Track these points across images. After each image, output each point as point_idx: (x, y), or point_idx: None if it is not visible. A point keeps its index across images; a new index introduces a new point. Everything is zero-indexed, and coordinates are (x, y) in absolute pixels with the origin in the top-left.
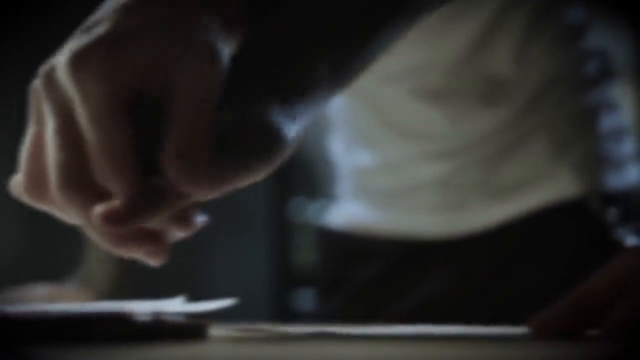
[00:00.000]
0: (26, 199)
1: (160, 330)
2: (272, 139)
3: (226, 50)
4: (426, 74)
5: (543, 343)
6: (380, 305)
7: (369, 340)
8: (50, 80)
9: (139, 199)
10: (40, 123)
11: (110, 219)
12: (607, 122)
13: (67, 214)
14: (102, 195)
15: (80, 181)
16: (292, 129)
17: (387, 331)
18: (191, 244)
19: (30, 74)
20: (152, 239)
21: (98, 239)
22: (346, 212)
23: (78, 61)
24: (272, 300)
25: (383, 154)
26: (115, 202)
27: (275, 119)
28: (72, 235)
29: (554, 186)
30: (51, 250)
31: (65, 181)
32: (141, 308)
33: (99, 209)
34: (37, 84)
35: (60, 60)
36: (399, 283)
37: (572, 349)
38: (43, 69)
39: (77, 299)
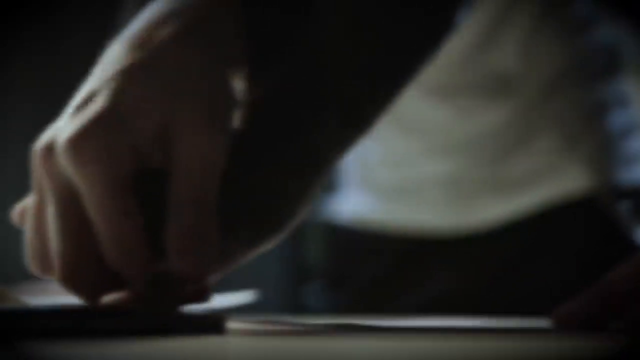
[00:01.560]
0: (32, 269)
1: (178, 324)
2: (284, 215)
3: (230, 113)
4: (432, 70)
5: (565, 335)
6: (388, 301)
7: (388, 332)
8: (49, 159)
9: (146, 290)
10: (42, 196)
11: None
12: (617, 117)
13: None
14: (108, 274)
15: (84, 271)
16: (305, 200)
17: (405, 324)
18: None
19: (30, 74)
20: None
21: None
22: (354, 207)
23: (77, 144)
24: (284, 295)
25: (391, 148)
26: (123, 294)
27: (288, 192)
28: None
29: (564, 181)
30: None
31: (69, 273)
32: None
33: (106, 299)
34: (35, 154)
35: (59, 139)
36: (406, 279)
37: (594, 342)
38: (41, 143)
39: None
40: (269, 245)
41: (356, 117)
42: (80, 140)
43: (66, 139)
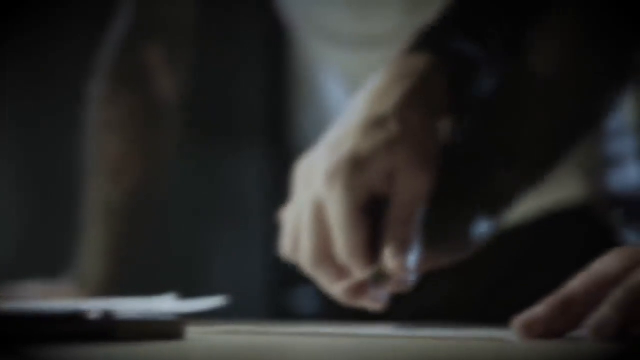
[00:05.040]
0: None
1: (138, 329)
2: (463, 247)
3: (436, 152)
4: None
5: (529, 344)
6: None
7: (337, 337)
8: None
9: (367, 280)
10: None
11: (348, 293)
12: (609, 121)
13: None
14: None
15: (324, 260)
16: (482, 236)
17: (369, 331)
18: (187, 241)
19: (30, 72)
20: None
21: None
22: None
23: (330, 174)
24: (269, 299)
25: None
26: (352, 281)
27: (471, 230)
28: (67, 233)
29: (557, 188)
30: (46, 248)
31: (314, 262)
32: (124, 306)
33: (341, 285)
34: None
35: (317, 172)
36: None
37: (557, 350)
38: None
39: (70, 296)
40: (444, 265)
41: (531, 173)
42: (332, 172)
43: (324, 171)
